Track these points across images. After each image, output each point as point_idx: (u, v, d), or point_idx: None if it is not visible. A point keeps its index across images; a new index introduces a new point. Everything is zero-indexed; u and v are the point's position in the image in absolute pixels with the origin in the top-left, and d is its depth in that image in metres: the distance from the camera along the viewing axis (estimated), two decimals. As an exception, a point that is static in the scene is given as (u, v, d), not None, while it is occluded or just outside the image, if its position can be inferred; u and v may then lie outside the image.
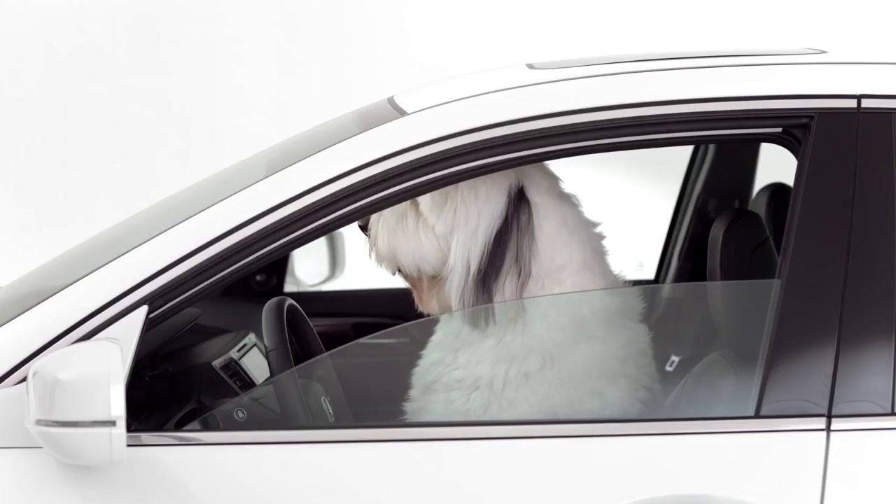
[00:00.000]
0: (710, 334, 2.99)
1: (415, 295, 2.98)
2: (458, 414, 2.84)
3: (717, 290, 2.89)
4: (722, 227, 2.87)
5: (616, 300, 2.88)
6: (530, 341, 2.83)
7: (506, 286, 2.83)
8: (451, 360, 2.89)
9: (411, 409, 2.91)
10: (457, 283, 2.84)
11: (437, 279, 2.91)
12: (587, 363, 2.82)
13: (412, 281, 2.97)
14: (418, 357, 2.97)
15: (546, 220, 2.85)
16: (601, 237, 2.93)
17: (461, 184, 2.83)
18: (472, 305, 2.83)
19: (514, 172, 2.85)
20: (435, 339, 2.95)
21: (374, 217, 2.93)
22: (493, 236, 2.83)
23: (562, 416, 2.79)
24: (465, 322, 2.87)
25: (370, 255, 2.96)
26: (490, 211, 2.84)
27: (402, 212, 2.90)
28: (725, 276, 2.85)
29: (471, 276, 2.82)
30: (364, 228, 2.95)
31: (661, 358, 2.94)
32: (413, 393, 2.92)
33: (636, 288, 2.97)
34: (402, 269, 2.93)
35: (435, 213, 2.88)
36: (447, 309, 2.89)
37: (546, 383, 2.81)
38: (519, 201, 2.84)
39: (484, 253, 2.82)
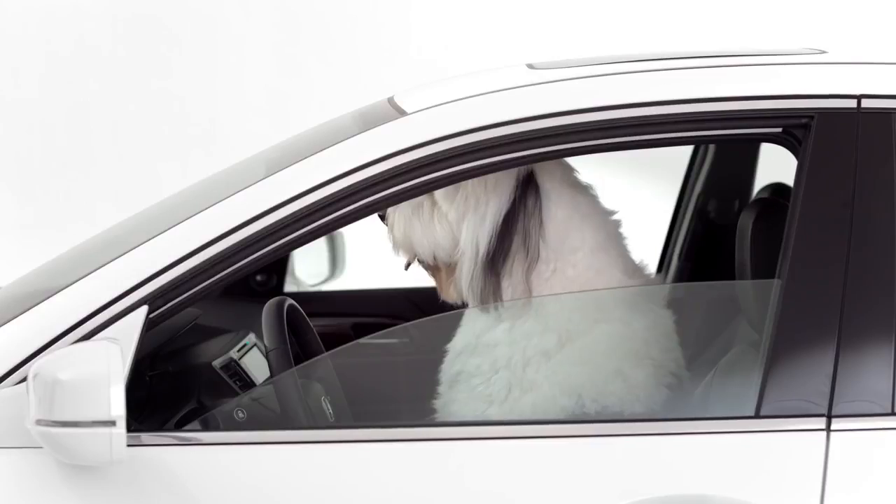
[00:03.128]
0: (719, 331, 2.99)
1: (436, 284, 3.00)
2: (481, 399, 2.86)
3: (746, 284, 2.88)
4: (750, 218, 2.86)
5: (638, 282, 2.88)
6: (544, 319, 2.84)
7: (514, 269, 2.85)
8: (472, 348, 2.90)
9: (439, 403, 2.93)
10: (467, 266, 2.88)
11: (452, 267, 2.93)
12: (608, 343, 2.82)
13: (431, 270, 3.00)
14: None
15: (556, 205, 2.87)
16: (618, 224, 2.94)
17: None
18: (482, 289, 2.85)
19: None
20: (459, 330, 2.97)
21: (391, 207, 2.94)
22: (501, 220, 2.85)
23: (585, 398, 2.79)
24: (476, 306, 2.88)
25: (392, 244, 2.99)
26: (499, 196, 2.87)
27: (418, 201, 2.93)
28: (755, 266, 2.84)
29: (479, 259, 2.85)
30: (383, 217, 2.97)
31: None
32: (440, 388, 2.94)
33: (660, 274, 2.98)
34: (418, 256, 2.97)
35: (448, 200, 2.91)
36: (463, 293, 2.91)
37: (567, 363, 2.81)
38: (527, 186, 2.86)
39: (492, 236, 2.85)
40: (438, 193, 2.91)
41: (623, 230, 2.95)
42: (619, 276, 2.89)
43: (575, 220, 2.89)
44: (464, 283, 2.89)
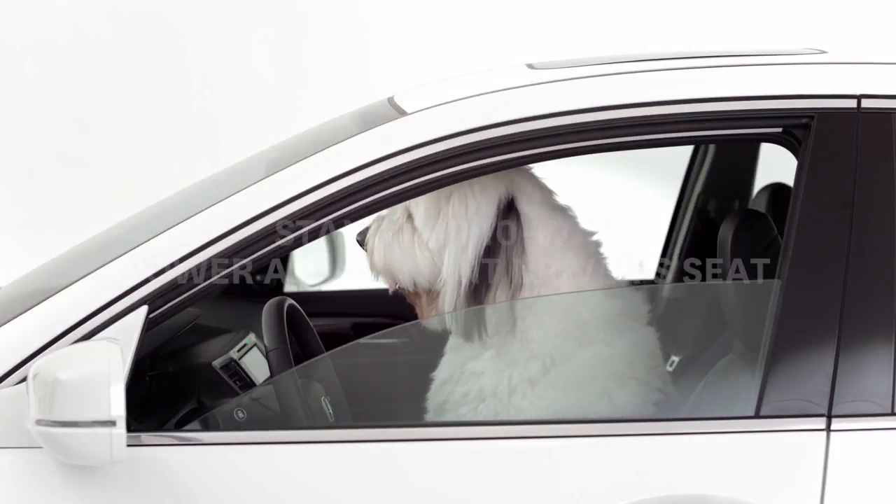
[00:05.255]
0: (715, 333, 2.99)
1: (417, 310, 3.00)
2: None
3: (728, 290, 2.89)
4: (731, 229, 2.87)
5: (619, 303, 2.88)
6: (528, 346, 2.84)
7: (497, 298, 2.84)
8: (457, 376, 2.91)
9: None
10: (449, 296, 2.87)
11: (433, 293, 2.92)
12: (592, 366, 2.82)
13: (411, 297, 2.99)
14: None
15: (538, 231, 2.87)
16: (598, 244, 2.94)
17: (453, 198, 2.87)
18: (466, 318, 2.85)
19: (504, 185, 2.87)
20: (444, 359, 2.97)
21: (370, 231, 2.96)
22: (482, 249, 2.85)
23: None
24: (462, 336, 2.88)
25: (371, 270, 2.98)
26: (479, 224, 2.86)
27: (398, 227, 2.93)
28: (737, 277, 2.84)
29: (462, 289, 2.84)
30: (361, 243, 2.97)
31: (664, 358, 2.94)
32: (427, 417, 2.94)
33: (642, 290, 2.98)
34: (398, 283, 2.96)
35: (428, 228, 2.90)
36: (445, 323, 2.90)
37: (552, 388, 2.81)
38: (508, 213, 2.86)
39: (474, 266, 2.85)
40: (419, 220, 2.91)
41: (602, 250, 2.95)
42: (602, 298, 2.89)
43: (557, 245, 2.88)
44: (447, 314, 2.88)
